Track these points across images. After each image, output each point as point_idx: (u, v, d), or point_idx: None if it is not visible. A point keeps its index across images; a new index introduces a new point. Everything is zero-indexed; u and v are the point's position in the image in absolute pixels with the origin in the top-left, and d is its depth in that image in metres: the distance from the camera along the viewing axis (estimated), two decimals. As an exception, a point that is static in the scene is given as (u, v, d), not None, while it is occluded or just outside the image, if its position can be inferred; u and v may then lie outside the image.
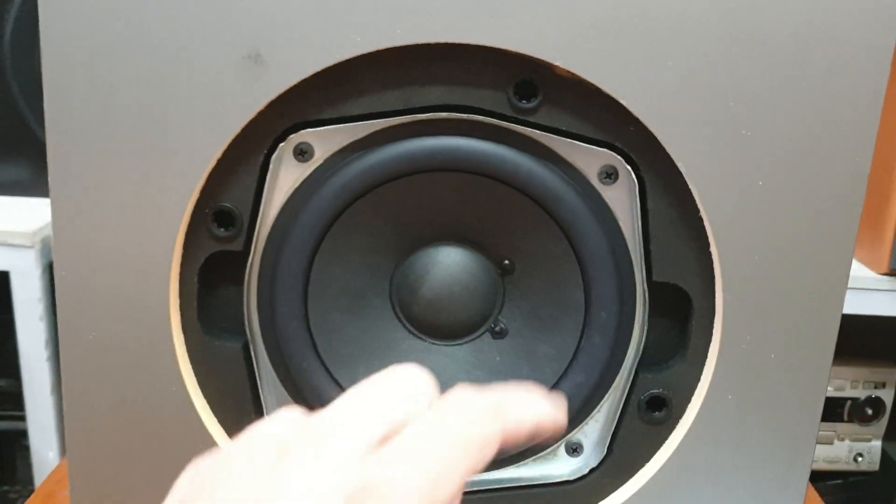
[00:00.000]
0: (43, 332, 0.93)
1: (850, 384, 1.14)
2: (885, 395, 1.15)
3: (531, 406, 0.28)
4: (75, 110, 0.38)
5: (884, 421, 1.16)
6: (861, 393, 1.14)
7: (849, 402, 1.14)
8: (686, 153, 0.38)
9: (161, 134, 0.38)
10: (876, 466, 1.17)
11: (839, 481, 1.18)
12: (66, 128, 0.39)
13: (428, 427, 0.25)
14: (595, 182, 0.40)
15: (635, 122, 0.38)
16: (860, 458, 1.17)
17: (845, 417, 1.14)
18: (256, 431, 0.25)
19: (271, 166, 0.40)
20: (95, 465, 0.43)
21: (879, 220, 0.92)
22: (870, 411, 1.16)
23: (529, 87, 0.38)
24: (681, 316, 0.42)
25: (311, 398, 0.43)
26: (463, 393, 0.27)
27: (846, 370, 1.12)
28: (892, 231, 0.92)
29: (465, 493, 0.44)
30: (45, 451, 0.98)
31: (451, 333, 0.44)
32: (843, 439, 1.16)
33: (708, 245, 0.39)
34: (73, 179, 0.39)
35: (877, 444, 1.17)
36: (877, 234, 0.93)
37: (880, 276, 0.95)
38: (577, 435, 0.44)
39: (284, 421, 0.26)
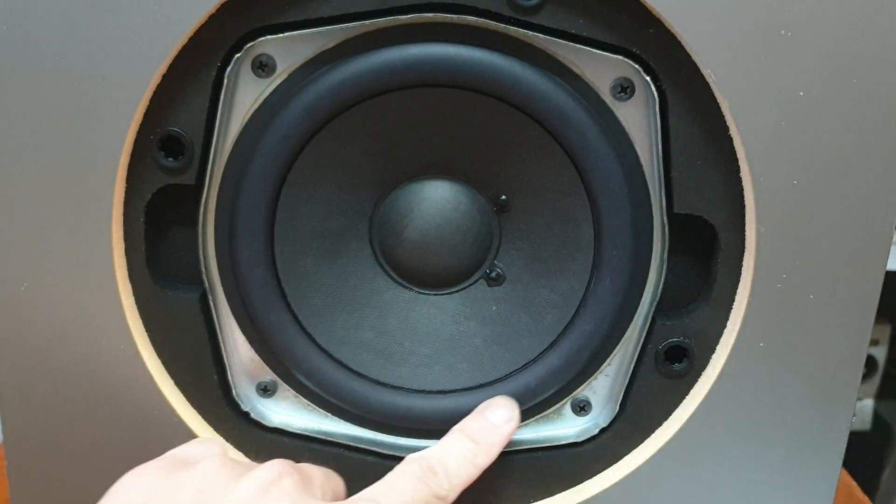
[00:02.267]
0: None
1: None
2: (878, 353, 1.14)
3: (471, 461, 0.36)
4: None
5: (876, 379, 1.15)
6: (854, 351, 1.12)
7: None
8: (715, 58, 0.33)
9: (94, 45, 0.33)
10: (868, 426, 1.16)
11: (831, 441, 1.16)
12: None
13: None
14: (607, 97, 0.36)
15: (655, 22, 0.33)
16: (852, 418, 1.15)
17: (838, 376, 1.12)
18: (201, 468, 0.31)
19: (226, 83, 0.35)
20: (33, 438, 0.40)
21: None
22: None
23: (532, -21, 0.33)
24: (704, 253, 0.38)
25: (281, 355, 0.39)
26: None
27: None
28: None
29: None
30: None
31: (440, 281, 0.40)
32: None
33: (738, 170, 0.35)
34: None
35: (868, 402, 1.16)
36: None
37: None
38: (584, 391, 0.40)
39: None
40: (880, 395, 1.15)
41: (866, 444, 1.15)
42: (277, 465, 0.32)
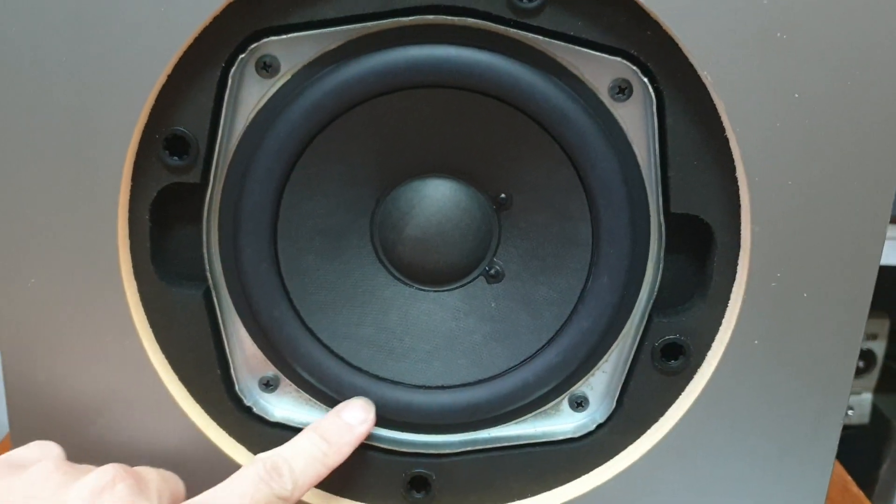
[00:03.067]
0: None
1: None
2: (877, 348, 1.14)
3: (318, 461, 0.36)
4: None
5: (875, 373, 1.15)
6: (852, 345, 1.12)
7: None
8: (712, 60, 0.33)
9: (100, 47, 0.34)
10: (866, 420, 1.16)
11: (829, 435, 1.16)
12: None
13: None
14: (606, 98, 0.36)
15: (653, 24, 0.33)
16: (851, 412, 1.16)
17: (836, 370, 1.12)
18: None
19: (230, 83, 0.36)
20: (39, 431, 0.39)
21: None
22: (861, 364, 1.14)
23: (531, -18, 0.33)
24: (701, 252, 0.38)
25: (284, 350, 0.39)
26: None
27: (838, 322, 1.09)
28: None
29: (457, 454, 0.40)
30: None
31: (440, 278, 0.40)
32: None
33: (734, 170, 0.35)
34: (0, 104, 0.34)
35: (867, 396, 1.16)
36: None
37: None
38: (581, 387, 0.41)
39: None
40: (879, 389, 1.15)
41: (865, 437, 1.15)
42: (111, 469, 0.32)
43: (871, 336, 1.13)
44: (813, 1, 0.32)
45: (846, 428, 1.15)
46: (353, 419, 0.38)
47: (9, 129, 0.35)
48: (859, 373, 1.14)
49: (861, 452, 1.15)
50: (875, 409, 1.16)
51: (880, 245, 0.35)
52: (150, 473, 0.34)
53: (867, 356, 1.13)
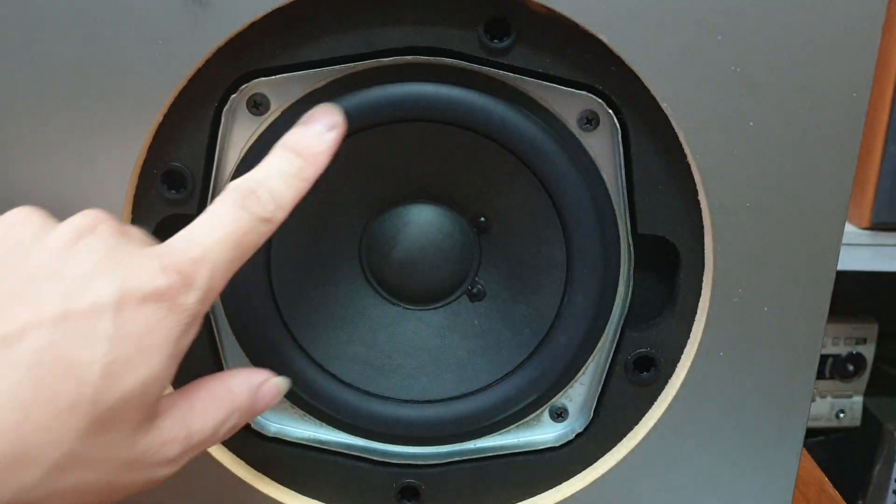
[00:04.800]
0: None
1: (832, 341, 1.14)
2: (866, 351, 1.15)
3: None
4: (1, 69, 0.35)
5: (865, 377, 1.16)
6: (842, 349, 1.14)
7: (830, 359, 1.14)
8: (671, 93, 0.35)
9: (99, 88, 0.35)
10: (857, 422, 1.17)
11: (821, 438, 1.18)
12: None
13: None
14: (574, 128, 0.38)
15: (616, 60, 0.35)
16: (842, 415, 1.17)
17: (827, 374, 1.14)
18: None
19: (223, 120, 0.37)
20: None
21: (861, 173, 0.90)
22: (851, 367, 1.15)
23: (501, 24, 0.35)
24: (668, 270, 0.40)
25: (277, 369, 0.40)
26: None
27: (827, 326, 1.10)
28: (873, 184, 0.90)
29: (444, 464, 0.42)
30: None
31: (425, 297, 0.42)
32: (824, 396, 1.16)
33: (696, 193, 0.37)
34: (6, 144, 0.36)
35: (858, 399, 1.17)
36: (858, 187, 0.92)
37: (861, 231, 0.93)
38: (561, 399, 0.42)
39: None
40: (869, 392, 1.17)
41: (857, 440, 1.17)
42: (93, 212, 0.30)
43: (861, 340, 1.14)
44: (762, 37, 0.34)
45: (838, 431, 1.17)
46: (323, 126, 0.35)
47: (13, 167, 0.36)
48: (849, 376, 1.15)
49: (853, 455, 1.16)
50: (866, 412, 1.17)
51: (834, 261, 0.38)
52: (131, 226, 0.32)
53: (857, 360, 1.15)
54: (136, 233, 0.32)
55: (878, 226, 0.91)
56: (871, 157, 0.88)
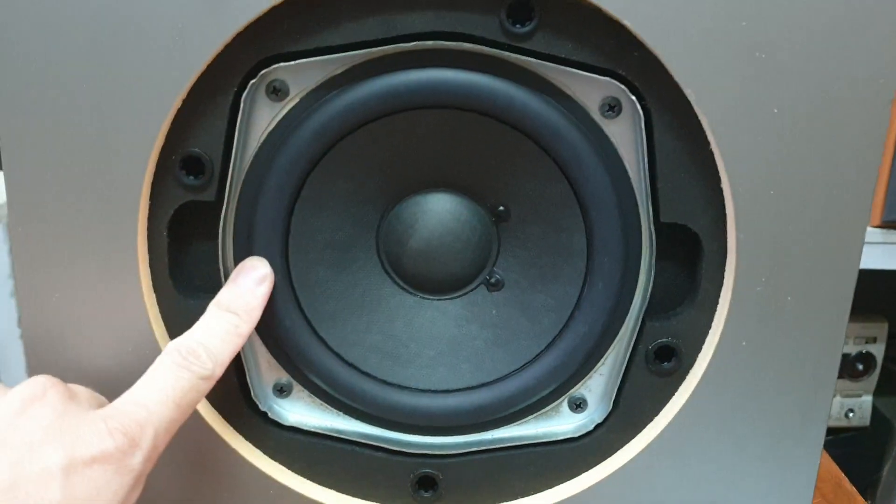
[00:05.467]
0: (14, 309, 0.89)
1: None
2: (876, 350, 1.14)
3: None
4: (21, 56, 0.35)
5: (874, 376, 1.15)
6: (852, 348, 1.14)
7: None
8: (695, 79, 0.35)
9: (118, 74, 0.35)
10: (867, 422, 1.16)
11: (830, 437, 1.17)
12: (14, 75, 0.35)
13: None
14: (596, 116, 0.37)
15: (639, 46, 0.35)
16: (851, 414, 1.16)
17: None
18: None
19: (242, 106, 0.37)
20: None
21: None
22: (861, 367, 1.15)
23: (524, 9, 0.35)
24: (690, 259, 0.40)
25: (296, 358, 0.40)
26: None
27: (837, 324, 1.10)
28: (885, 182, 0.90)
29: (462, 454, 0.42)
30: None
31: (443, 287, 0.41)
32: (834, 395, 1.15)
33: (719, 181, 0.37)
34: (25, 130, 0.36)
35: (867, 399, 1.16)
36: (871, 184, 0.91)
37: (872, 229, 0.92)
38: (580, 389, 0.42)
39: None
40: (879, 392, 1.16)
41: (866, 439, 1.16)
42: (41, 379, 0.32)
43: (871, 339, 1.14)
44: (788, 22, 0.34)
45: (847, 430, 1.16)
46: (252, 280, 0.37)
47: (35, 150, 0.36)
48: (859, 375, 1.15)
49: (862, 454, 1.16)
50: (875, 411, 1.16)
51: (859, 249, 0.37)
52: (78, 387, 0.34)
53: (867, 359, 1.14)
54: (85, 394, 0.34)
55: (889, 224, 0.90)
56: (882, 156, 0.88)
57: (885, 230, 0.92)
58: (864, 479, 1.14)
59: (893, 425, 1.14)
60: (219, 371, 0.34)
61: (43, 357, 0.39)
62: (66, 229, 0.37)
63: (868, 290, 1.10)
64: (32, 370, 0.40)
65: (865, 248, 0.93)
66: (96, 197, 0.37)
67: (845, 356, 1.13)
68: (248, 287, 0.37)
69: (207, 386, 0.34)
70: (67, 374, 0.39)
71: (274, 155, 0.37)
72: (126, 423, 0.31)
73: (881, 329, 1.13)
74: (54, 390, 0.32)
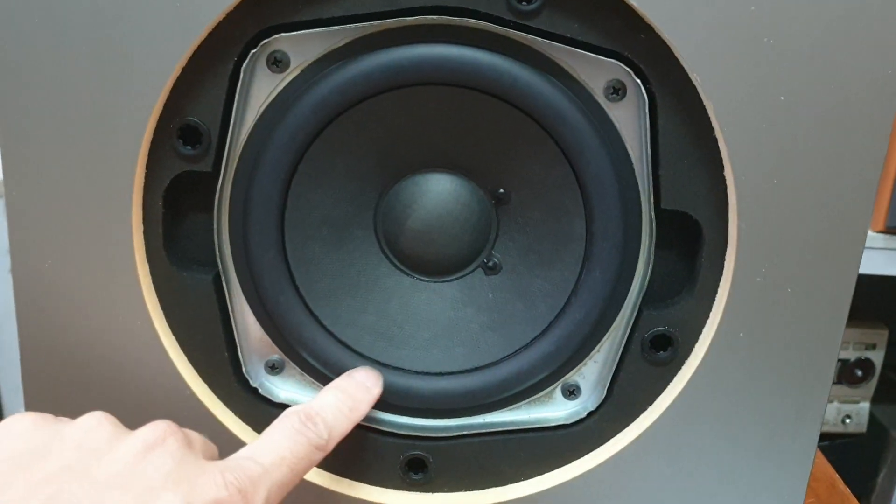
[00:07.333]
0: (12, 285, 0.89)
1: (840, 345, 1.13)
2: (876, 357, 1.14)
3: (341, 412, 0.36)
4: (19, 23, 0.35)
5: (873, 383, 1.15)
6: (851, 354, 1.13)
7: (838, 364, 1.13)
8: (702, 63, 0.34)
9: (115, 39, 0.35)
10: (863, 429, 1.16)
11: (826, 443, 1.17)
12: (11, 42, 0.35)
13: None
14: (600, 98, 0.37)
15: (646, 28, 0.34)
16: (848, 420, 1.16)
17: (834, 379, 1.13)
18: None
19: (242, 76, 0.37)
20: (54, 407, 0.40)
21: (878, 174, 0.89)
22: (859, 373, 1.15)
23: (530, -14, 0.34)
24: (689, 248, 0.39)
25: (289, 335, 0.40)
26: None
27: (837, 329, 1.10)
28: (889, 186, 0.89)
29: (453, 438, 0.41)
30: (17, 410, 0.95)
31: (439, 269, 0.41)
32: (831, 401, 1.15)
33: (722, 169, 0.36)
34: (22, 96, 0.36)
35: (865, 405, 1.16)
36: (875, 188, 0.90)
37: (875, 234, 0.92)
38: (574, 376, 0.42)
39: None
40: (877, 399, 1.16)
41: (862, 446, 1.16)
42: (162, 425, 0.32)
43: (870, 346, 1.13)
44: (798, 8, 0.33)
45: (844, 436, 1.16)
46: (368, 381, 0.39)
47: (29, 118, 0.36)
48: (857, 382, 1.14)
49: (858, 461, 1.16)
50: (873, 419, 1.16)
51: (861, 242, 0.37)
52: (194, 434, 0.35)
53: (866, 365, 1.14)
54: (199, 442, 0.34)
55: (892, 229, 0.90)
56: (888, 159, 0.87)
57: (887, 235, 0.92)
58: (859, 485, 1.13)
59: (890, 433, 1.13)
60: (331, 445, 0.35)
61: (33, 325, 0.39)
62: (61, 196, 0.37)
63: (869, 296, 1.10)
64: (22, 340, 0.40)
65: (867, 254, 0.93)
66: (92, 164, 0.37)
67: (844, 362, 1.13)
68: (367, 385, 0.39)
69: (319, 457, 0.35)
70: (57, 344, 0.39)
71: (273, 127, 0.37)
72: (241, 477, 0.31)
73: (881, 336, 1.13)
74: (174, 437, 0.32)
